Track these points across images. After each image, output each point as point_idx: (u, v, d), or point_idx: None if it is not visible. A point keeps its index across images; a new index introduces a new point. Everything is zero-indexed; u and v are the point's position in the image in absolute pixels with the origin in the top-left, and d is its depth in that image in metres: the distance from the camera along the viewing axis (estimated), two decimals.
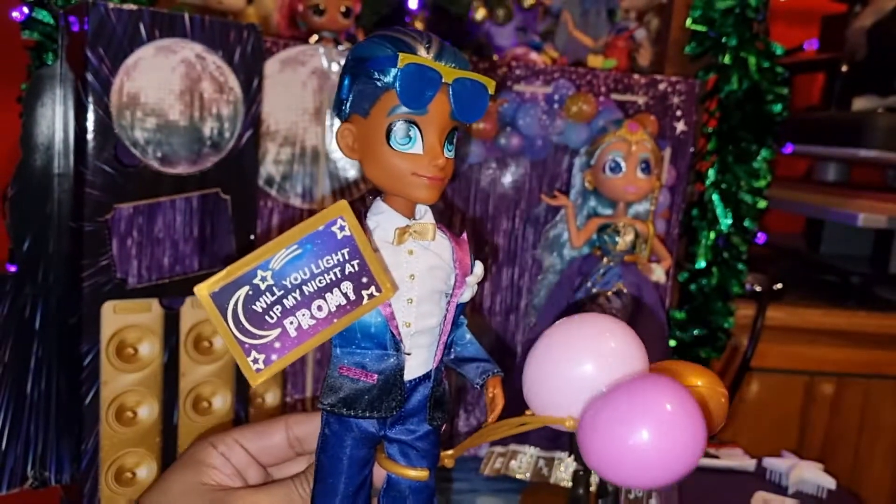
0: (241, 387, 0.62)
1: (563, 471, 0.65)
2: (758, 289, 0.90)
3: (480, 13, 0.83)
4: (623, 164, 0.66)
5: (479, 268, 0.39)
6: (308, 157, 0.70)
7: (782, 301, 0.95)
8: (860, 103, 1.13)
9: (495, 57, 0.83)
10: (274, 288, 0.33)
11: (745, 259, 0.84)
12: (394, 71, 0.34)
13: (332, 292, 0.33)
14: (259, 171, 0.65)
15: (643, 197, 0.68)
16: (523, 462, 0.65)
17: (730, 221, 0.82)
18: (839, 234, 1.11)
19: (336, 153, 0.70)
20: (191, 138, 0.57)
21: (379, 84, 0.34)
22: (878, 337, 0.94)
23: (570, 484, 0.64)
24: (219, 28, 0.57)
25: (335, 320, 0.34)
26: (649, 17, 0.89)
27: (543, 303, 0.72)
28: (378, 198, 0.37)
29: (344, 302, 0.34)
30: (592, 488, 0.63)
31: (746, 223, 0.83)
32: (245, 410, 0.63)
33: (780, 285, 0.94)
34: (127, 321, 0.57)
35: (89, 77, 0.53)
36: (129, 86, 0.54)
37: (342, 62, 0.69)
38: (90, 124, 0.53)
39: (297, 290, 0.33)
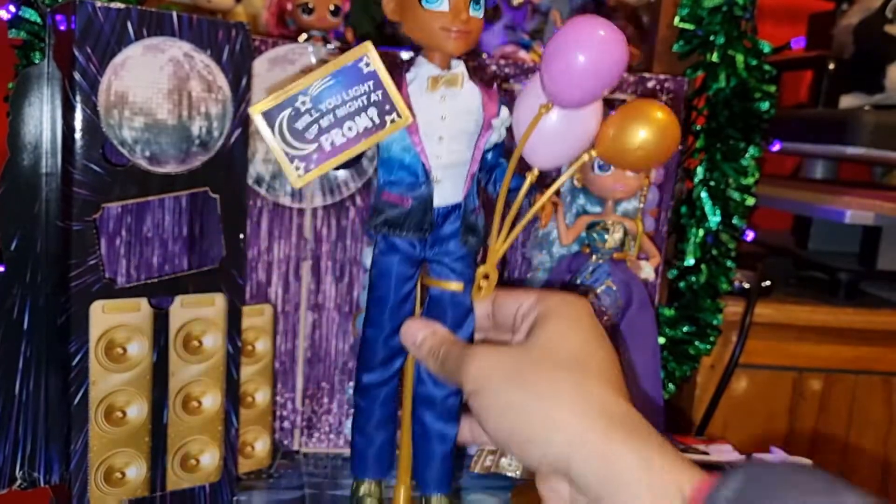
0: (230, 386, 0.62)
1: None
2: (746, 285, 0.91)
3: None
4: None
5: (504, 112, 0.46)
6: None
7: (771, 298, 0.95)
8: (847, 101, 1.14)
9: (484, 55, 0.83)
10: (312, 111, 0.41)
11: (733, 256, 0.84)
12: None
13: (360, 116, 0.42)
14: (248, 170, 0.65)
15: (632, 195, 0.68)
16: (514, 460, 0.65)
17: (718, 219, 0.83)
18: (827, 230, 1.12)
19: None
20: (179, 137, 0.57)
21: None
22: (866, 333, 0.95)
23: None
24: (207, 27, 0.57)
25: (363, 140, 0.42)
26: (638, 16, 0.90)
27: None
28: (419, 54, 0.45)
29: (370, 125, 0.42)
30: None
31: (735, 220, 0.83)
32: (235, 409, 0.63)
33: (768, 282, 0.94)
34: (116, 321, 0.56)
35: (77, 76, 0.52)
36: (117, 85, 0.54)
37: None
38: (78, 123, 0.53)
39: (331, 114, 0.41)
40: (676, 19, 0.81)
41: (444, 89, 0.44)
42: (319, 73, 0.41)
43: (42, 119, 0.58)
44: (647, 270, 0.69)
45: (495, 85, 0.47)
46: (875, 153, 0.99)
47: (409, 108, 0.43)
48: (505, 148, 0.49)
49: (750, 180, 0.82)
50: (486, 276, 0.46)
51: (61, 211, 0.56)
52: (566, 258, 0.70)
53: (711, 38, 0.80)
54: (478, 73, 0.72)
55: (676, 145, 0.44)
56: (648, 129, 0.42)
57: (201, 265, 0.64)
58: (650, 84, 0.75)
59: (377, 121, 0.42)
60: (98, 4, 0.52)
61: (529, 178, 0.45)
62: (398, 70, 0.44)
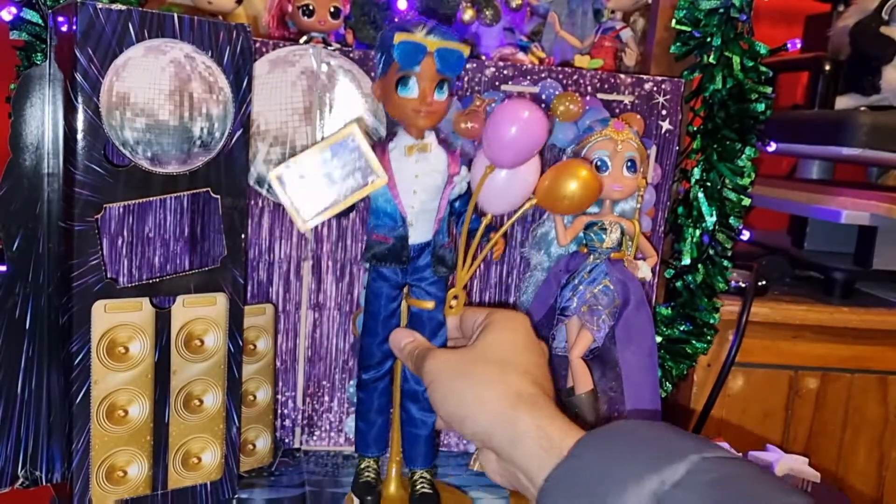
0: (231, 384, 0.63)
1: None
2: (743, 285, 0.91)
3: (468, 14, 0.84)
4: (609, 163, 0.67)
5: (464, 170, 0.58)
6: None
7: (767, 297, 0.96)
8: (843, 102, 1.15)
9: (483, 57, 0.83)
10: (315, 174, 0.54)
11: (729, 256, 0.85)
12: (395, 45, 0.53)
13: (349, 178, 0.55)
14: (249, 171, 0.66)
15: (629, 195, 0.69)
16: None
17: (714, 219, 0.83)
18: (823, 230, 1.13)
19: None
20: (181, 138, 0.57)
21: (392, 54, 0.53)
22: (862, 332, 0.96)
23: None
24: (208, 28, 0.57)
25: (351, 196, 0.55)
26: (635, 18, 0.90)
27: (531, 300, 0.73)
28: (400, 128, 0.57)
29: (357, 184, 0.55)
30: None
31: (731, 220, 0.84)
32: (236, 408, 0.63)
33: (764, 282, 0.95)
34: (118, 320, 0.57)
35: (78, 77, 0.53)
36: (119, 86, 0.55)
37: (331, 62, 0.69)
38: (80, 124, 0.54)
39: (329, 176, 0.55)
40: (673, 21, 0.82)
41: (417, 154, 0.56)
42: (319, 147, 0.54)
43: (44, 120, 0.58)
44: (644, 270, 0.70)
45: (457, 149, 0.59)
46: (870, 154, 1.00)
47: (391, 169, 0.56)
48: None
49: (746, 181, 0.83)
50: (456, 297, 0.59)
51: (63, 211, 0.56)
52: (564, 258, 0.71)
53: (708, 39, 0.81)
54: (477, 74, 0.72)
55: (597, 195, 0.57)
56: (576, 183, 0.54)
57: (202, 265, 0.65)
58: (647, 86, 0.76)
59: (361, 181, 0.55)
60: (99, 6, 0.53)
61: (485, 221, 0.58)
62: (383, 141, 0.58)
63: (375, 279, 0.59)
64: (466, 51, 0.56)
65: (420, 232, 0.58)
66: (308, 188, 0.54)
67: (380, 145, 0.57)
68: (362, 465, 0.62)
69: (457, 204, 0.59)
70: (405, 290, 0.60)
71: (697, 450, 0.39)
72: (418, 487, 0.60)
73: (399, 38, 0.53)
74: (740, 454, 0.79)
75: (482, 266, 0.77)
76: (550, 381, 0.51)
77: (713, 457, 0.39)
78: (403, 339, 0.57)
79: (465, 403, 0.48)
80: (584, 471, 0.41)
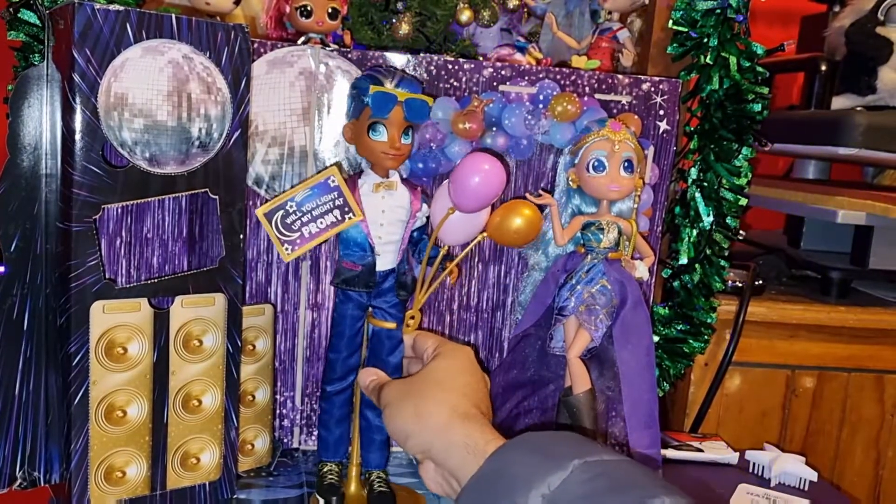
0: (230, 385, 0.63)
1: None
2: (739, 284, 0.92)
3: (466, 15, 0.84)
4: (606, 163, 0.67)
5: (424, 207, 0.65)
6: (296, 158, 0.70)
7: (764, 296, 0.96)
8: (839, 102, 1.15)
9: (480, 58, 0.84)
10: (297, 211, 0.60)
11: (726, 255, 0.85)
12: (368, 95, 0.60)
13: (328, 214, 0.60)
14: (248, 171, 0.66)
15: (626, 195, 0.69)
16: None
17: (711, 219, 0.84)
18: (819, 230, 1.13)
19: (323, 153, 0.71)
20: (179, 139, 0.57)
21: (363, 101, 0.61)
22: (858, 331, 0.96)
23: None
24: (206, 29, 0.57)
25: (329, 230, 0.61)
26: (632, 18, 0.90)
27: (529, 300, 0.73)
28: (368, 166, 0.63)
29: (335, 220, 0.61)
30: None
31: (728, 220, 0.84)
32: (235, 408, 0.64)
33: (761, 281, 0.95)
34: (116, 321, 0.57)
35: (76, 78, 0.53)
36: (117, 86, 0.55)
37: (329, 63, 0.69)
38: (77, 125, 0.54)
39: (309, 213, 0.60)
40: (670, 22, 0.82)
41: (384, 191, 0.62)
42: (301, 187, 0.60)
43: (42, 120, 0.58)
44: (642, 270, 0.70)
45: (419, 188, 0.65)
46: (867, 154, 1.00)
47: (361, 205, 0.61)
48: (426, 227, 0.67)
49: (743, 181, 0.83)
50: (413, 317, 0.65)
51: (61, 212, 0.56)
52: (562, 258, 0.71)
53: (705, 40, 0.81)
54: (474, 75, 0.73)
55: (539, 231, 0.65)
56: (521, 220, 0.63)
57: (201, 265, 0.65)
58: (644, 86, 0.76)
59: (339, 217, 0.60)
60: (97, 6, 0.53)
61: (442, 251, 0.64)
62: (354, 179, 0.63)
63: (343, 301, 0.65)
64: (431, 101, 0.63)
65: (385, 260, 0.64)
66: (291, 223, 0.59)
67: (351, 181, 0.62)
68: (324, 469, 0.67)
69: (415, 234, 0.65)
70: (368, 311, 0.65)
71: (580, 455, 0.45)
72: (375, 487, 0.66)
73: (374, 89, 0.59)
74: (737, 453, 0.79)
75: (481, 267, 0.77)
76: (488, 405, 0.57)
77: (594, 460, 0.45)
78: (368, 378, 0.63)
79: (408, 418, 0.55)
80: (488, 481, 0.47)
